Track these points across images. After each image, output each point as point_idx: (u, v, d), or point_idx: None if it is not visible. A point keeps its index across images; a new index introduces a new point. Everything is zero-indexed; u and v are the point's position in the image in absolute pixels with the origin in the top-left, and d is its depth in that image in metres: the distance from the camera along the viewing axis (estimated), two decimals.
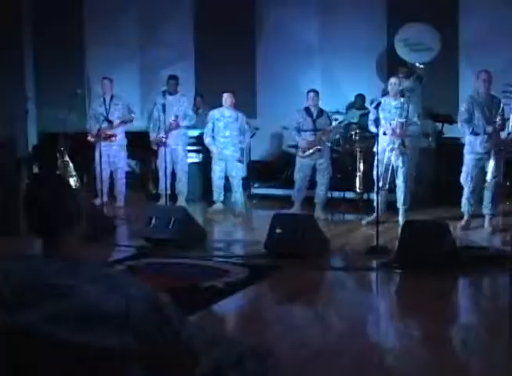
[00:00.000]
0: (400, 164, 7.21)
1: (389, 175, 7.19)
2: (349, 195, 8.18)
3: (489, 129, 6.80)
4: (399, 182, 7.29)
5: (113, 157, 8.83)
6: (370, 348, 3.82)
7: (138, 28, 11.51)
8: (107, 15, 11.45)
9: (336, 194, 8.27)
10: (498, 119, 6.77)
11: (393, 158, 7.17)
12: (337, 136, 8.99)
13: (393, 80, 7.42)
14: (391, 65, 9.63)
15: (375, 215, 7.26)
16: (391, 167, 7.18)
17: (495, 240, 6.46)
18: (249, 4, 10.77)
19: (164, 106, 8.18)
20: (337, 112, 9.48)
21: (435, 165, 8.89)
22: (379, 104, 6.71)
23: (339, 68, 10.18)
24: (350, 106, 9.77)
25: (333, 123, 8.08)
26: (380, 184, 6.99)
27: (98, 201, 8.32)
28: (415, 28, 9.31)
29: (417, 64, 9.05)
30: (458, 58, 9.45)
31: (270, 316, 4.58)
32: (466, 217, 7.03)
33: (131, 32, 11.49)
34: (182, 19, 11.12)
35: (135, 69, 11.56)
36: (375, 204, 7.32)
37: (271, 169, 9.79)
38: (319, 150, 7.95)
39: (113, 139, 8.73)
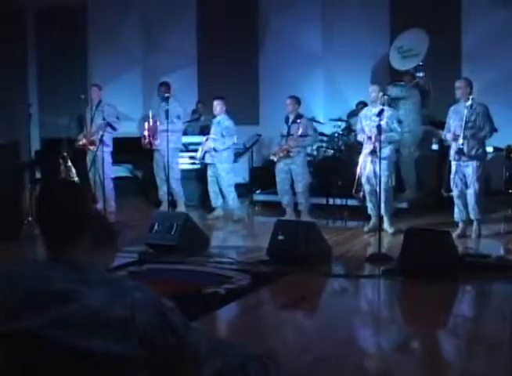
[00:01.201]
0: (378, 172, 7.11)
1: (367, 182, 7.12)
2: (352, 202, 8.17)
3: (449, 136, 6.78)
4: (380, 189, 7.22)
5: (98, 162, 8.84)
6: (371, 356, 3.82)
7: (141, 35, 11.56)
8: (110, 21, 11.50)
9: (338, 201, 8.27)
10: (455, 128, 6.67)
11: (368, 165, 7.04)
12: (340, 143, 8.99)
13: (370, 88, 7.45)
14: (392, 72, 9.65)
15: (371, 222, 7.28)
16: (371, 174, 7.03)
17: (496, 249, 6.44)
18: (252, 11, 10.81)
19: (167, 111, 8.26)
20: (339, 119, 9.50)
21: (437, 172, 8.88)
22: (382, 111, 6.68)
23: (341, 75, 10.21)
24: (352, 114, 9.78)
25: (301, 130, 7.84)
26: (354, 191, 7.11)
27: (98, 206, 8.32)
28: (408, 35, 9.35)
29: (417, 74, 9.06)
30: (460, 65, 9.47)
31: (272, 322, 4.58)
32: (460, 225, 6.93)
33: (134, 38, 11.53)
34: (185, 25, 11.17)
35: (137, 75, 11.59)
36: (369, 211, 7.33)
37: (273, 176, 9.78)
38: (289, 156, 7.92)
39: (93, 146, 8.72)
